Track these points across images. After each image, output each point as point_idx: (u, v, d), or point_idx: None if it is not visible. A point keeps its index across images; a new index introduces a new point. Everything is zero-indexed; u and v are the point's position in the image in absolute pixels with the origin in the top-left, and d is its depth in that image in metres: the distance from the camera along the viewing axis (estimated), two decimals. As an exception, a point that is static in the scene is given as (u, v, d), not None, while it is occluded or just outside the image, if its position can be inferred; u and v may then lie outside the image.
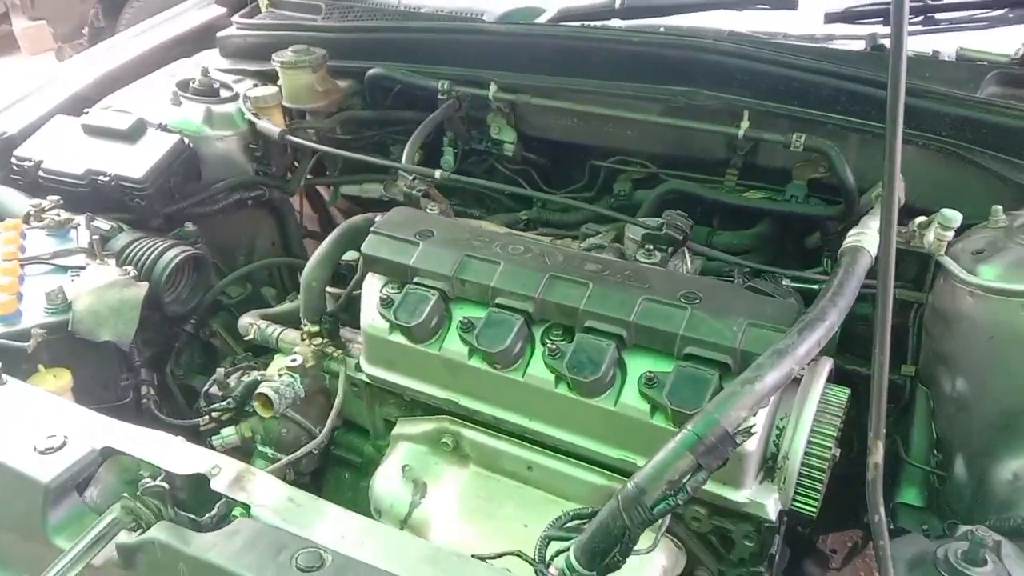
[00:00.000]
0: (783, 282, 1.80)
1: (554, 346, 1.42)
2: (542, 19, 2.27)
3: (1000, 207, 1.61)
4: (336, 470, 1.88)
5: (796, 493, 1.37)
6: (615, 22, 2.20)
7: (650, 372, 1.37)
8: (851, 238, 1.46)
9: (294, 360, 1.69)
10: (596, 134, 2.20)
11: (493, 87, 2.17)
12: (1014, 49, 1.85)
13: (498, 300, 1.49)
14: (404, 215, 1.69)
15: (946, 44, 2.01)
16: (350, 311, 1.78)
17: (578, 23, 2.23)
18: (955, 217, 1.50)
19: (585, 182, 2.32)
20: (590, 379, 1.37)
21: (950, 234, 1.52)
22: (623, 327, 1.40)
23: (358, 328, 1.69)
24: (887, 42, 1.94)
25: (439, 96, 2.22)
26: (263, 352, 1.97)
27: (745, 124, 1.91)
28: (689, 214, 2.16)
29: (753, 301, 1.41)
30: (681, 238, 1.63)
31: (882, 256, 1.07)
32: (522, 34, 2.17)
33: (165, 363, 2.09)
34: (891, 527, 1.68)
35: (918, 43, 2.02)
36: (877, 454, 1.05)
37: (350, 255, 1.84)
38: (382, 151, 2.53)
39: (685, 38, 1.98)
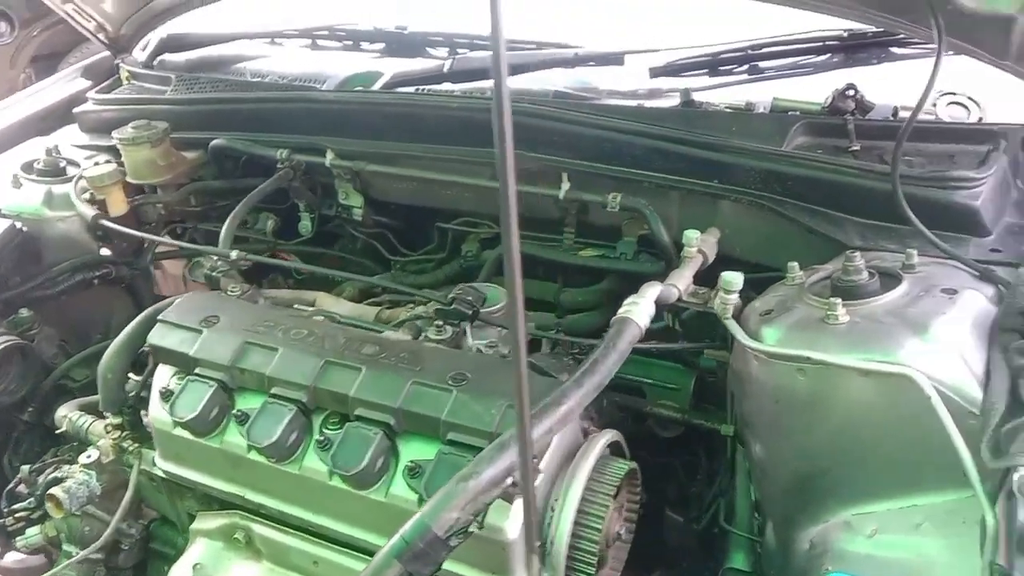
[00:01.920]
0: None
1: (322, 437, 1.38)
2: (378, 85, 2.25)
3: (796, 264, 1.58)
4: (156, 564, 1.81)
5: (568, 576, 1.32)
6: (447, 85, 2.19)
7: (412, 462, 1.33)
8: (623, 308, 1.42)
9: (89, 456, 1.64)
10: (438, 197, 2.18)
11: (330, 155, 2.15)
12: (824, 97, 1.84)
13: (274, 390, 1.45)
14: (195, 301, 1.66)
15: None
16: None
17: (412, 88, 2.21)
18: (735, 280, 1.47)
19: (436, 244, 2.30)
20: (353, 472, 1.33)
21: (733, 297, 1.49)
22: (391, 414, 1.36)
23: None
24: (698, 96, 1.94)
25: (278, 165, 2.20)
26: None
27: (565, 185, 1.89)
28: (531, 273, 2.16)
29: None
30: (471, 312, 1.59)
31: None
32: (355, 101, 2.15)
33: (3, 453, 2.03)
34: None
35: (745, 93, 2.01)
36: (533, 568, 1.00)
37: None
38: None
39: (503, 101, 1.96)
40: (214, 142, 2.27)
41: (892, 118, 1.84)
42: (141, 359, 1.72)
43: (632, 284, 2.05)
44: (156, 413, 1.55)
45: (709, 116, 1.88)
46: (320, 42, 2.52)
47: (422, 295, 1.79)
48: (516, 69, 2.12)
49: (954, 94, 1.86)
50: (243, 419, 1.44)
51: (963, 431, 1.23)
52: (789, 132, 1.76)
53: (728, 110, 1.91)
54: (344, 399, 1.39)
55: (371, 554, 1.39)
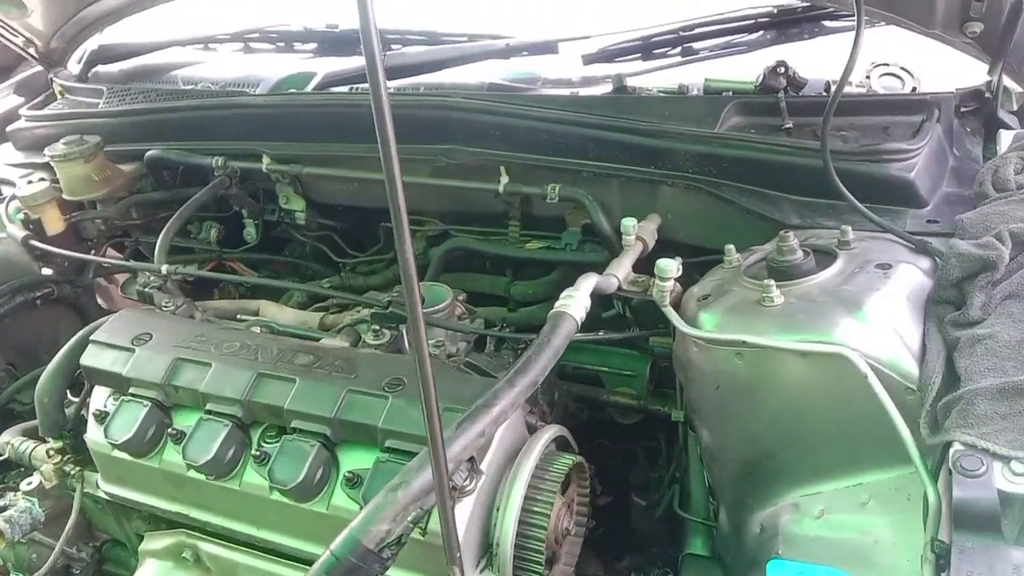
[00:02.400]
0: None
1: (259, 452, 1.35)
2: (311, 86, 2.21)
3: (732, 247, 1.57)
4: (110, 587, 1.78)
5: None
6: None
7: (351, 472, 1.30)
8: (559, 302, 1.41)
9: (30, 483, 1.60)
10: (379, 196, 2.13)
11: (266, 159, 2.12)
12: (755, 75, 1.82)
13: (208, 405, 1.42)
14: (128, 318, 1.62)
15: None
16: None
17: (345, 87, 2.18)
18: (669, 267, 1.46)
19: (383, 243, 2.27)
20: (292, 486, 1.30)
21: (669, 284, 1.48)
22: (327, 424, 1.33)
23: None
24: (630, 81, 1.92)
25: (214, 173, 2.16)
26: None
27: (504, 179, 1.87)
28: (479, 267, 2.14)
29: (454, 382, 1.35)
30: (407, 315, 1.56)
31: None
32: (288, 104, 2.11)
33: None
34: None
35: (678, 76, 2.00)
36: None
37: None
38: (180, 231, 2.46)
39: (437, 97, 1.94)
40: (149, 153, 2.22)
41: (823, 93, 1.83)
42: (80, 380, 1.68)
43: (581, 274, 2.06)
44: (94, 436, 1.52)
45: (642, 101, 1.86)
46: (253, 45, 2.47)
47: (365, 300, 1.76)
48: (448, 63, 2.09)
49: (887, 65, 1.85)
50: (179, 438, 1.41)
51: (901, 407, 1.22)
52: (722, 113, 1.75)
53: (661, 94, 1.90)
54: (279, 411, 1.37)
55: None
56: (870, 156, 1.59)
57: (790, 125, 1.72)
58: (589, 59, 2.02)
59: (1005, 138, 1.66)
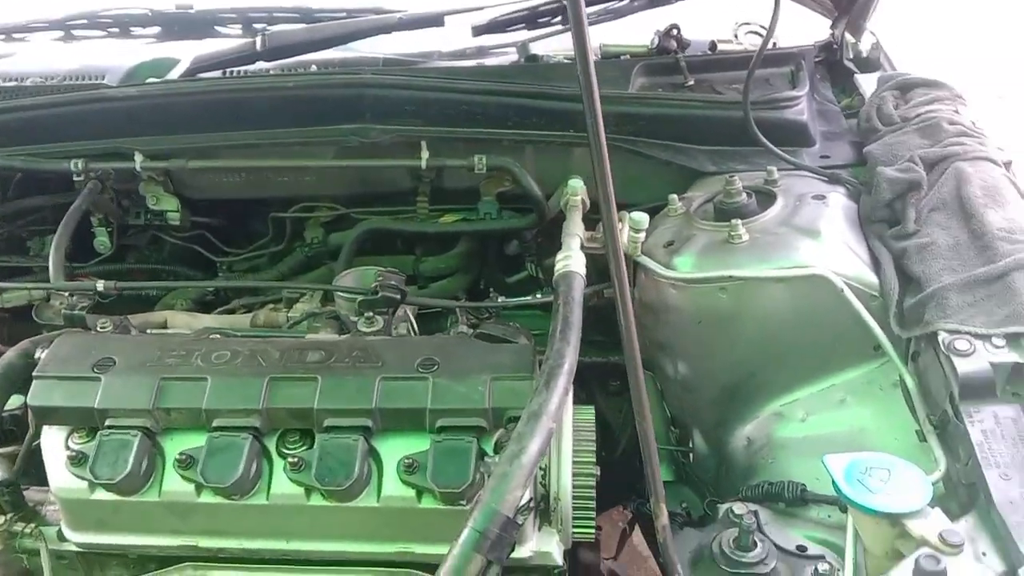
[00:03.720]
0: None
1: (295, 458, 1.28)
2: (176, 72, 2.03)
3: (675, 196, 1.71)
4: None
5: (574, 526, 1.36)
6: (260, 65, 2.03)
7: (408, 458, 1.28)
8: (559, 264, 1.46)
9: (-28, 555, 1.37)
10: (271, 186, 2.03)
11: (139, 157, 1.91)
12: (649, 39, 1.97)
13: (216, 422, 1.31)
14: (72, 344, 1.42)
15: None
16: (29, 472, 1.47)
17: (218, 72, 2.02)
18: (643, 220, 1.57)
19: (271, 236, 2.15)
20: (347, 485, 1.25)
21: (642, 235, 1.59)
22: (367, 417, 1.29)
23: (43, 485, 1.41)
24: (538, 50, 1.99)
25: (75, 178, 1.91)
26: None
27: (425, 154, 1.86)
28: (389, 247, 2.11)
29: (490, 352, 1.37)
30: (399, 296, 1.54)
31: (618, 297, 1.06)
32: (159, 93, 1.92)
33: None
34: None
35: (567, 44, 2.09)
36: (663, 516, 1.06)
37: (13, 401, 1.51)
38: (17, 248, 2.15)
39: (344, 75, 1.88)
40: None
41: (710, 52, 2.02)
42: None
43: (486, 243, 2.11)
44: (62, 483, 1.33)
45: (554, 68, 1.94)
46: (76, 32, 2.19)
47: (332, 288, 1.68)
48: (334, 40, 2.02)
49: (749, 23, 2.08)
50: (189, 463, 1.29)
51: (868, 311, 1.44)
52: (631, 75, 1.88)
53: (568, 61, 1.98)
54: (308, 413, 1.29)
55: (364, 564, 1.36)
56: (770, 104, 1.80)
57: (692, 82, 1.89)
58: (478, 30, 2.05)
59: (865, 81, 1.96)
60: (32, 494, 1.50)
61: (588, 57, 0.91)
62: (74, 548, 1.41)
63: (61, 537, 1.41)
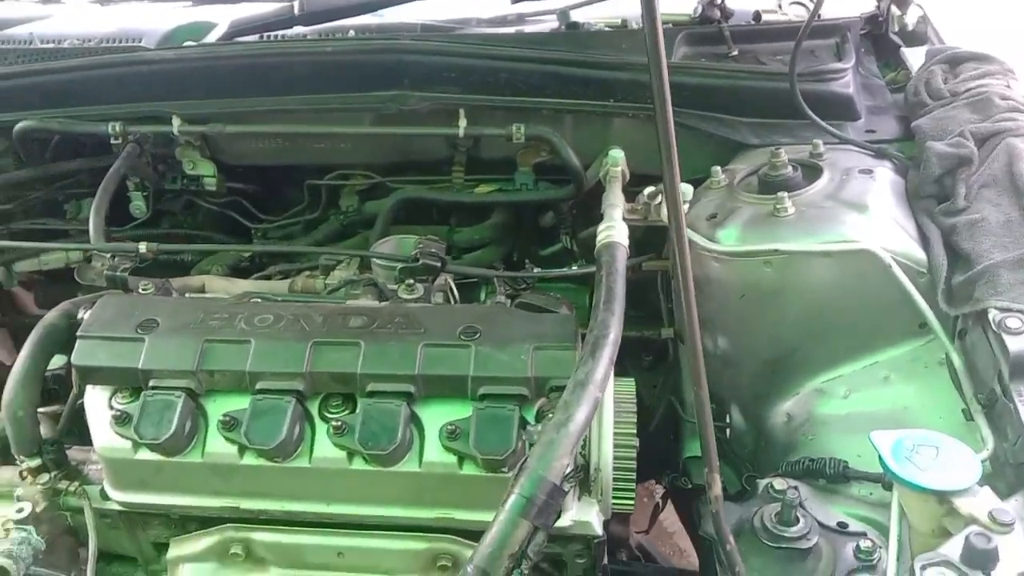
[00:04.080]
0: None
1: (339, 422, 1.28)
2: (213, 36, 2.02)
3: (718, 167, 1.69)
4: (111, 609, 1.60)
5: (614, 497, 1.36)
6: (297, 30, 2.01)
7: (450, 424, 1.28)
8: (602, 234, 1.45)
9: (20, 511, 1.38)
10: (307, 152, 2.03)
11: (177, 121, 1.90)
12: (692, 8, 1.94)
13: (260, 384, 1.31)
14: (115, 305, 1.43)
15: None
16: (73, 431, 1.49)
17: (256, 36, 2.01)
18: (688, 191, 1.55)
19: (306, 203, 2.15)
20: (390, 449, 1.25)
21: (685, 207, 1.57)
22: (410, 382, 1.29)
23: (85, 444, 1.43)
24: (579, 17, 1.96)
25: (112, 141, 1.91)
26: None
27: (463, 123, 1.84)
28: (423, 217, 2.10)
29: (532, 322, 1.36)
30: (439, 264, 1.54)
31: (678, 264, 1.05)
32: (197, 57, 1.91)
33: None
34: (689, 485, 1.77)
35: (607, 11, 2.06)
36: (716, 487, 1.05)
37: (56, 360, 1.52)
38: (55, 212, 2.16)
39: (383, 40, 1.86)
40: (19, 125, 1.91)
41: (754, 22, 1.99)
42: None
43: (521, 215, 2.09)
44: (106, 442, 1.34)
45: (596, 36, 1.91)
46: (111, -6, 2.19)
47: (370, 255, 1.68)
48: (372, 5, 2.00)
49: (792, -5, 2.05)
50: (233, 425, 1.29)
51: (916, 288, 1.42)
52: (674, 44, 1.85)
53: (609, 29, 1.96)
54: (351, 378, 1.30)
55: (405, 528, 1.37)
56: (816, 76, 1.77)
57: (736, 52, 1.86)
58: (518, -3, 2.03)
59: (912, 55, 1.92)
60: (75, 453, 1.52)
61: (657, 23, 0.89)
62: (117, 507, 1.42)
63: (104, 496, 1.42)
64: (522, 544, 1.01)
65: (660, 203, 1.62)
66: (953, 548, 1.04)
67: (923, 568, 1.01)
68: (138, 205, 2.09)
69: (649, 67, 0.97)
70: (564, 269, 1.75)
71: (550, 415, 1.13)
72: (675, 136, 1.79)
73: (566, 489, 1.06)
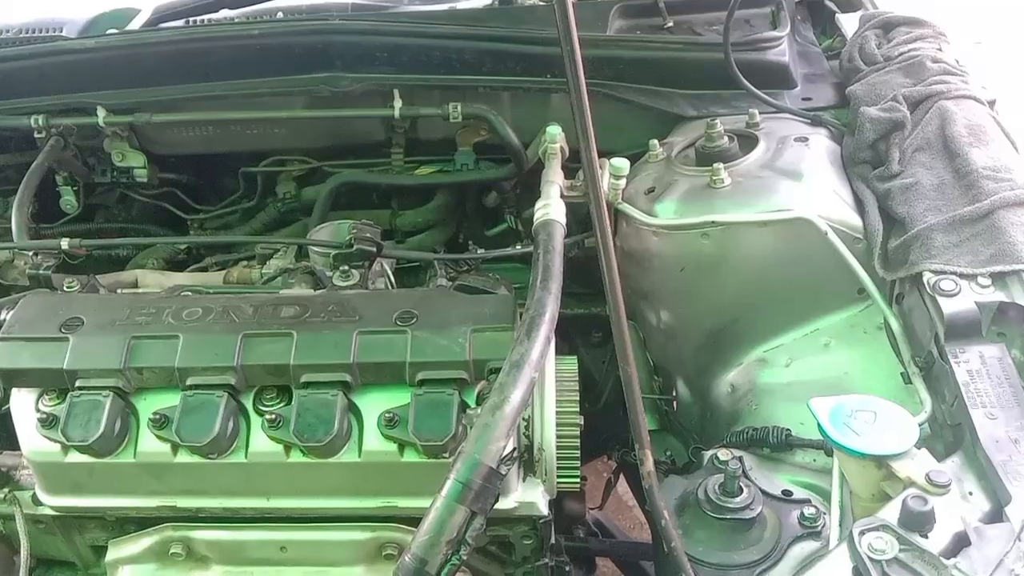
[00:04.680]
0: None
1: (273, 415, 1.25)
2: (137, 23, 1.95)
3: (656, 141, 1.68)
4: (52, 615, 1.56)
5: (558, 476, 1.35)
6: (224, 13, 1.96)
7: (389, 411, 1.25)
8: (538, 212, 1.43)
9: (-54, 522, 1.34)
10: (240, 139, 1.98)
11: (102, 112, 1.84)
12: (625, -20, 1.91)
13: (190, 380, 1.27)
14: (38, 304, 1.38)
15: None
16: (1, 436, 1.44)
17: (182, 21, 1.95)
18: (624, 165, 1.54)
19: (242, 191, 2.10)
20: (326, 440, 1.23)
21: (622, 182, 1.56)
22: (345, 371, 1.26)
23: (14, 449, 1.38)
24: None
25: (36, 135, 1.85)
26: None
27: (398, 103, 1.80)
28: (365, 201, 2.07)
29: (469, 303, 1.34)
30: (375, 249, 1.51)
31: (600, 246, 1.03)
32: (121, 45, 1.85)
33: None
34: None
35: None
36: (648, 462, 1.04)
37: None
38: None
39: (313, 21, 1.81)
40: None
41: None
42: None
43: (464, 196, 2.07)
44: (35, 446, 1.29)
45: (531, 11, 1.89)
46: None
47: (304, 242, 1.65)
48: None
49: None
50: (163, 422, 1.25)
51: (852, 254, 1.42)
52: (608, 17, 1.83)
53: (543, 3, 1.93)
54: (284, 369, 1.26)
55: (348, 519, 1.34)
56: (752, 45, 1.76)
57: (671, 24, 1.84)
58: (451, -27, 1.99)
59: (847, 21, 1.91)
60: (5, 459, 1.47)
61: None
62: (50, 512, 1.38)
63: (36, 501, 1.38)
64: (460, 530, 1.00)
65: (601, 182, 1.60)
66: (891, 512, 1.05)
67: (861, 533, 1.01)
68: (68, 200, 2.03)
69: (560, 40, 0.94)
70: (506, 250, 1.72)
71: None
72: (612, 110, 1.80)
73: (503, 472, 1.04)
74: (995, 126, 1.50)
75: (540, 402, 1.32)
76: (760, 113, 1.67)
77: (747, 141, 1.61)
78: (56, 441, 1.27)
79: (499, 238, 2.08)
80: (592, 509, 2.06)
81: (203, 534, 1.36)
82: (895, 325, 1.38)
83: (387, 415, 1.25)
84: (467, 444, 1.03)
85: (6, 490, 1.40)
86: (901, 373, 1.36)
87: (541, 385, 1.33)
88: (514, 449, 1.05)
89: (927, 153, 1.47)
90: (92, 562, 1.47)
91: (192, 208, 2.13)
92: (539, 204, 1.45)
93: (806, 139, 1.58)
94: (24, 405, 1.32)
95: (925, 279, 1.29)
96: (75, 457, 1.29)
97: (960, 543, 1.01)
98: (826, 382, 1.46)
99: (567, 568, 1.76)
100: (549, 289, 1.23)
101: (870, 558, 0.98)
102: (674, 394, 1.74)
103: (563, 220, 1.42)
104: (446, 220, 2.05)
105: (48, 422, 1.27)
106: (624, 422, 1.89)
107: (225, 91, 1.83)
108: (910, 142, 1.49)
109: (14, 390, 1.34)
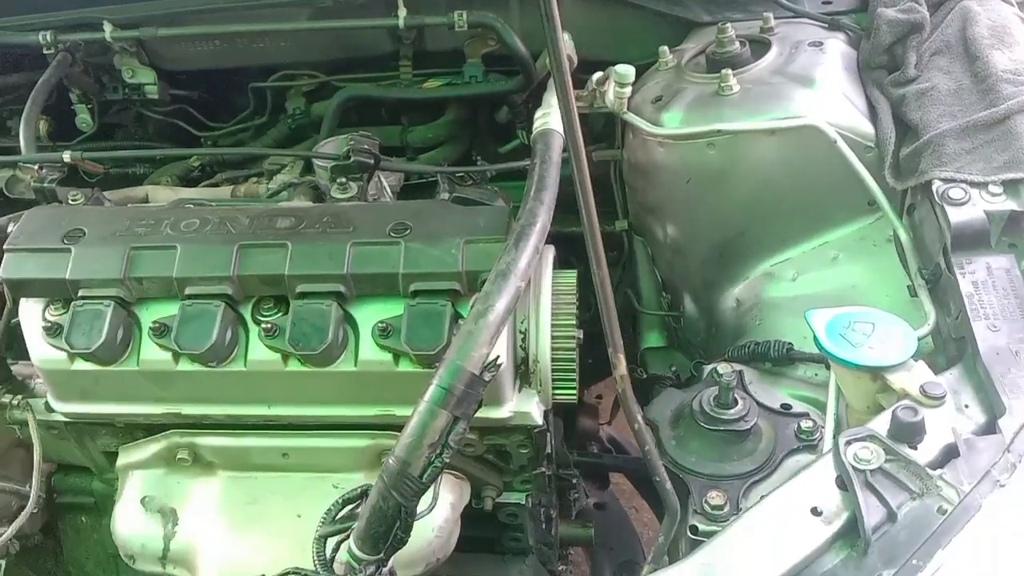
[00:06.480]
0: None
1: (269, 324, 1.26)
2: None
3: (666, 48, 1.62)
4: (69, 517, 1.63)
5: (554, 388, 1.35)
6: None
7: (382, 322, 1.26)
8: (538, 121, 1.40)
9: (-37, 427, 1.39)
10: (248, 53, 1.95)
11: (108, 27, 1.83)
12: None
13: (188, 290, 1.29)
14: (42, 217, 1.40)
15: None
16: (13, 346, 1.48)
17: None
18: (629, 72, 1.48)
19: (253, 108, 2.08)
20: (320, 349, 1.24)
21: (627, 90, 1.51)
22: (339, 282, 1.26)
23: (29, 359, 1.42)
24: None
25: (45, 51, 1.85)
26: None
27: (403, 12, 1.76)
28: (373, 117, 2.04)
29: (464, 215, 1.32)
30: (372, 161, 1.49)
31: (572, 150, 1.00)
32: (123, -43, 1.82)
33: None
34: (644, 375, 1.76)
35: None
36: (621, 367, 1.03)
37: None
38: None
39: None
40: None
41: None
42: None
43: (475, 111, 2.03)
44: (43, 354, 1.33)
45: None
46: None
47: (307, 155, 1.64)
48: None
49: None
50: (163, 331, 1.28)
51: (862, 163, 1.37)
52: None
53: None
54: (279, 280, 1.27)
55: (347, 427, 1.36)
56: (770, -52, 1.67)
57: (684, -76, 1.76)
58: None
59: (872, -82, 1.80)
60: (21, 368, 1.52)
61: None
62: (62, 418, 1.43)
63: (48, 408, 1.42)
64: (442, 434, 1.01)
65: (607, 89, 1.56)
66: (881, 423, 1.03)
67: (847, 443, 1.00)
68: (84, 119, 2.03)
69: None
70: (510, 163, 1.69)
71: None
72: (624, 17, 1.74)
73: (487, 378, 1.04)
74: (1022, 26, 1.42)
75: (536, 314, 1.31)
76: (776, 17, 1.60)
77: (759, 47, 1.55)
78: (61, 349, 1.30)
79: (511, 154, 2.05)
80: (603, 424, 2.08)
81: (208, 440, 1.40)
82: (904, 237, 1.34)
83: (380, 325, 1.26)
84: (450, 351, 1.04)
85: (20, 397, 1.44)
86: (908, 286, 1.33)
87: (537, 298, 1.32)
88: (497, 356, 1.05)
89: (946, 57, 1.40)
90: (106, 467, 1.52)
91: (205, 126, 2.12)
92: (539, 113, 1.42)
93: (821, 44, 1.51)
94: (32, 315, 1.35)
95: (934, 187, 1.24)
96: (81, 365, 1.32)
97: (949, 454, 0.99)
98: (832, 296, 1.43)
99: (574, 481, 1.79)
100: (541, 200, 1.21)
101: (854, 467, 0.96)
102: (681, 310, 1.72)
103: (562, 129, 1.39)
104: (457, 136, 2.02)
105: (53, 330, 1.30)
106: (632, 339, 1.89)
107: (229, 3, 1.80)
108: (928, 45, 1.42)
109: (22, 300, 1.37)
